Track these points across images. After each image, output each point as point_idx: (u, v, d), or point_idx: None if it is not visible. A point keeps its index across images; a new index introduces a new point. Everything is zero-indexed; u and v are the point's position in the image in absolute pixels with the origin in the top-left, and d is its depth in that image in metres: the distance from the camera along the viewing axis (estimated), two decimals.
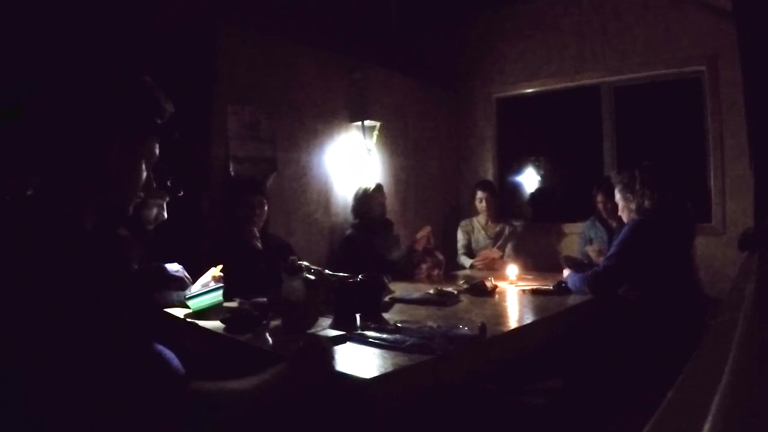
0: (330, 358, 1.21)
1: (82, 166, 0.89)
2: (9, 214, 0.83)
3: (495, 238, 3.74)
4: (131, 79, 0.95)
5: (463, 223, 3.88)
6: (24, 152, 0.89)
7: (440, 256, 3.09)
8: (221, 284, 1.96)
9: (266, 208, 2.61)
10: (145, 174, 0.98)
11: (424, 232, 3.12)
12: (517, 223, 3.92)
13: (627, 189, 2.47)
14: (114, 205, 0.95)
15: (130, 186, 0.96)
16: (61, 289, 0.75)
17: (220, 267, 2.01)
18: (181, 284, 1.99)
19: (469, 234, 3.82)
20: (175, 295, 1.98)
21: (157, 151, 0.99)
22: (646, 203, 2.38)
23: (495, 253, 3.56)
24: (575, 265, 2.71)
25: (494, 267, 3.38)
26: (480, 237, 3.78)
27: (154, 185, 1.01)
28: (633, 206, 2.45)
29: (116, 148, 0.91)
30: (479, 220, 3.82)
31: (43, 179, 0.87)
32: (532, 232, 4.18)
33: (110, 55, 2.19)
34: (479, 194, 3.76)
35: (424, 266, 2.99)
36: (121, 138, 0.92)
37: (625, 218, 2.55)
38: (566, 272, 2.58)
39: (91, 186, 0.90)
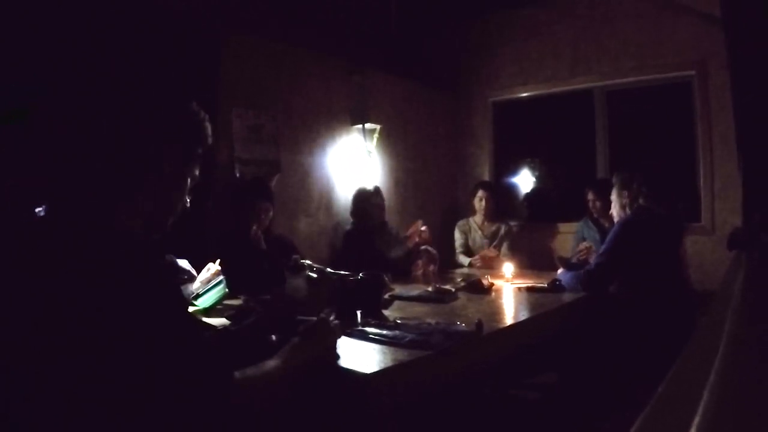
0: (336, 336, 1.26)
1: (139, 180, 0.91)
2: (66, 221, 0.84)
3: (491, 238, 3.74)
4: (187, 107, 0.99)
5: (460, 223, 3.88)
6: (78, 160, 0.91)
7: (433, 251, 3.07)
8: (221, 276, 1.95)
9: (271, 213, 2.60)
10: (186, 192, 1.02)
11: (415, 227, 3.09)
12: (512, 223, 3.92)
13: (624, 189, 2.48)
14: (159, 218, 0.97)
15: (178, 202, 0.99)
16: (129, 290, 0.78)
17: (218, 261, 2.01)
18: (191, 277, 1.99)
19: (465, 234, 3.82)
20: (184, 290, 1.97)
21: (198, 172, 1.03)
22: (641, 202, 2.39)
23: (492, 252, 3.57)
24: (568, 265, 2.72)
25: (491, 265, 3.38)
26: (476, 236, 3.78)
27: (188, 204, 1.03)
28: (626, 206, 2.46)
29: (172, 167, 0.95)
30: (476, 220, 3.82)
31: (96, 188, 0.89)
32: (527, 231, 4.18)
33: (116, 60, 2.19)
34: (480, 193, 3.75)
35: (419, 263, 2.98)
36: (176, 159, 0.95)
37: (616, 217, 2.56)
38: (560, 271, 2.58)
39: (143, 199, 0.92)
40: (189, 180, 1.00)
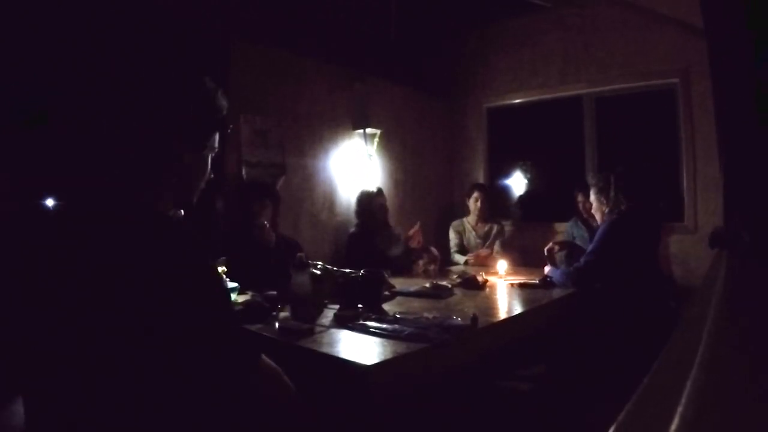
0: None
1: (162, 163, 0.91)
2: (102, 205, 0.85)
3: (484, 238, 3.73)
4: (198, 84, 0.97)
5: (454, 223, 3.85)
6: (106, 152, 0.91)
7: (435, 252, 3.08)
8: (236, 284, 1.95)
9: (269, 210, 2.59)
10: (209, 165, 1.00)
11: (415, 228, 3.09)
12: (505, 223, 3.91)
13: (602, 192, 2.50)
14: (185, 195, 0.97)
15: (199, 177, 0.98)
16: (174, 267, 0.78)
17: (223, 259, 2.00)
18: None
19: (460, 234, 3.80)
20: None
21: (217, 141, 1.00)
22: (620, 205, 2.40)
23: (485, 251, 3.58)
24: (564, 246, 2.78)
25: (485, 263, 3.38)
26: (471, 237, 3.77)
27: (212, 175, 1.01)
28: (606, 208, 2.48)
29: (189, 146, 0.94)
30: (469, 221, 3.80)
31: (127, 174, 0.89)
32: (520, 230, 4.18)
33: (127, 67, 2.20)
34: (476, 194, 3.73)
35: (421, 262, 2.99)
36: (192, 137, 0.94)
37: (598, 218, 2.58)
38: (547, 269, 2.58)
39: (169, 179, 0.92)
40: (209, 156, 0.99)
